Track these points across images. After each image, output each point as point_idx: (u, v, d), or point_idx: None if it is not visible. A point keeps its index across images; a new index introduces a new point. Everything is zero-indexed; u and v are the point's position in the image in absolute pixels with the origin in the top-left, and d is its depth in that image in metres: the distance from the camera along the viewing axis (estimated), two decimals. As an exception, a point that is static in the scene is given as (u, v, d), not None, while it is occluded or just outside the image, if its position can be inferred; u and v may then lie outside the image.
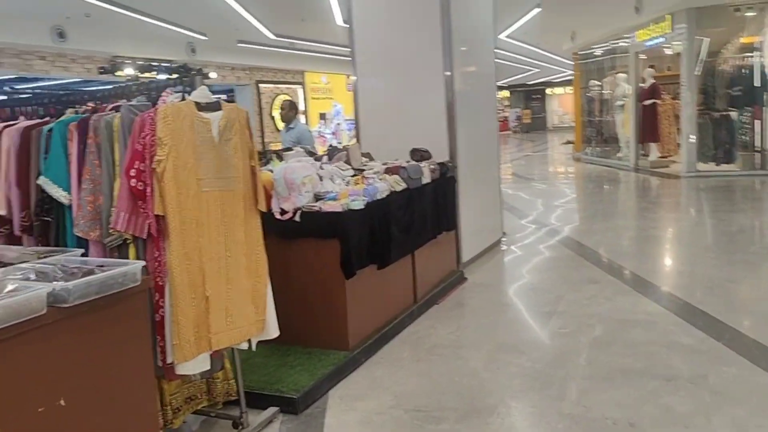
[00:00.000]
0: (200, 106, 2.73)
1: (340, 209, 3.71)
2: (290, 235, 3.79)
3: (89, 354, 2.06)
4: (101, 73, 3.38)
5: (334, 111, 18.56)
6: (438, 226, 5.12)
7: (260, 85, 16.25)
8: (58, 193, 2.81)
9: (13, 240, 3.03)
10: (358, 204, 3.79)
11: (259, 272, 2.96)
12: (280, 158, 4.44)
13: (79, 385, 2.03)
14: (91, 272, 2.16)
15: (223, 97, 17.33)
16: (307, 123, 17.41)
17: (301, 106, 17.59)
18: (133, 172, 2.61)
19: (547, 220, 8.27)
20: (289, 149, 5.75)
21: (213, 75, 13.30)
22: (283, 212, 3.75)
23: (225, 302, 2.80)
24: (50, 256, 2.45)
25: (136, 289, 2.21)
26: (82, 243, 2.82)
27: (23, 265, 2.22)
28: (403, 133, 5.71)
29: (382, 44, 5.99)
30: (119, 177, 2.69)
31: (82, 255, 2.83)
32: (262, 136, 15.90)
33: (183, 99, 2.79)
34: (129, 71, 3.17)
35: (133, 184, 2.61)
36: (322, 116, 18.36)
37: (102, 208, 2.74)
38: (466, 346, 3.98)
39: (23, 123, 3.03)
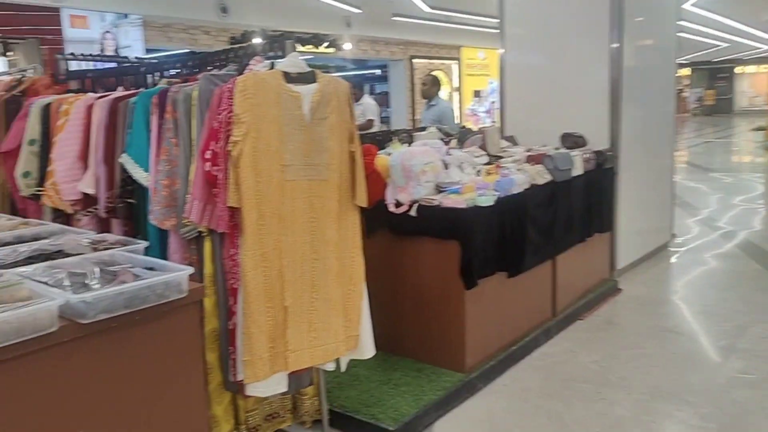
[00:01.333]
0: (290, 77, 2.25)
1: (462, 205, 3.09)
2: (405, 232, 3.25)
3: (118, 378, 1.69)
4: (232, 43, 3.10)
5: (489, 88, 17.69)
6: (588, 226, 4.31)
7: (414, 60, 15.80)
8: (138, 173, 2.51)
9: (103, 222, 2.81)
10: (486, 200, 3.14)
11: (353, 279, 2.46)
12: (403, 141, 3.91)
13: (105, 414, 1.67)
14: (135, 277, 1.79)
15: (377, 71, 17.23)
16: (460, 100, 16.76)
17: (455, 83, 16.93)
18: (208, 155, 2.21)
19: (727, 222, 6.95)
20: (423, 129, 5.22)
21: (347, 46, 12.97)
22: (398, 204, 3.22)
23: (308, 314, 2.33)
24: (112, 247, 2.13)
25: (182, 302, 1.79)
26: (165, 231, 2.52)
27: (65, 261, 1.90)
28: (554, 115, 4.91)
29: (537, 12, 5.19)
30: (195, 159, 2.31)
31: (162, 245, 2.56)
32: (413, 114, 15.50)
33: (272, 68, 2.34)
34: (258, 41, 2.89)
35: (207, 169, 2.21)
36: (477, 94, 17.58)
37: (179, 194, 2.39)
38: (612, 384, 3.21)
39: (114, 94, 2.77)
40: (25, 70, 4.08)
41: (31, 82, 3.67)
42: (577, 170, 4.10)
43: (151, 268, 1.90)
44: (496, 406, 3.04)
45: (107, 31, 9.91)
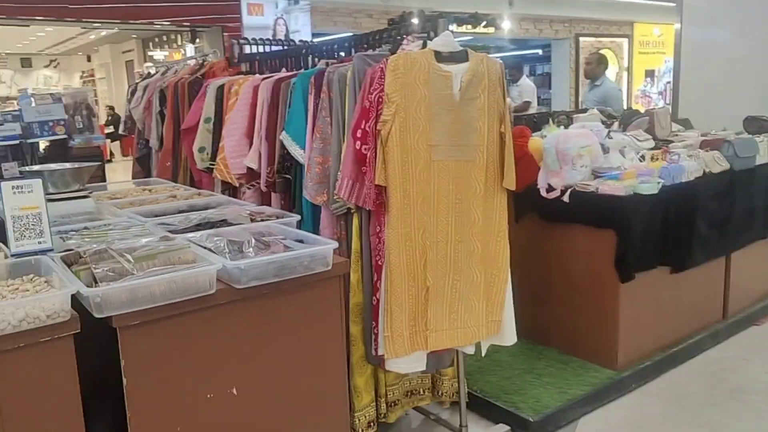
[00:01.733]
0: (441, 57, 2.23)
1: (621, 192, 2.88)
2: (555, 218, 3.12)
3: (266, 342, 1.81)
4: (390, 24, 3.18)
5: (664, 68, 16.31)
6: (773, 222, 3.83)
7: (580, 38, 14.99)
8: (295, 150, 2.64)
9: (264, 195, 3.01)
10: (649, 188, 2.91)
11: (497, 263, 2.41)
12: (561, 123, 3.73)
13: (253, 375, 1.80)
14: (286, 248, 1.89)
15: (539, 51, 16.59)
16: (629, 81, 15.65)
17: (625, 62, 15.82)
18: (359, 133, 2.26)
19: None
20: (585, 111, 4.94)
21: (506, 25, 12.51)
22: (550, 189, 3.09)
23: (449, 296, 2.33)
24: (268, 219, 2.27)
25: (327, 275, 1.87)
26: (318, 206, 2.64)
27: (227, 229, 2.06)
28: (737, 97, 4.42)
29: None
30: (347, 137, 2.38)
31: (314, 220, 2.68)
32: (576, 95, 14.76)
33: (424, 47, 2.33)
34: (416, 22, 2.93)
35: (357, 147, 2.27)
36: (649, 74, 16.30)
37: (330, 171, 2.48)
38: (790, 400, 2.85)
39: (278, 75, 2.94)
40: (206, 55, 4.48)
41: (210, 65, 4.02)
42: (763, 158, 3.65)
43: (300, 241, 2.00)
44: (649, 409, 2.83)
45: (279, 17, 10.54)
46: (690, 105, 4.79)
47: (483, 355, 2.51)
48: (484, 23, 3.54)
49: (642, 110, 4.42)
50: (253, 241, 1.91)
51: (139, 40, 13.96)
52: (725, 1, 4.67)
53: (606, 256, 2.94)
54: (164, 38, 12.79)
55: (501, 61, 2.34)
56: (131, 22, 8.50)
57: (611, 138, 3.30)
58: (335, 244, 1.89)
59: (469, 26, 3.54)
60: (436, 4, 11.13)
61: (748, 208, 3.56)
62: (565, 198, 3.00)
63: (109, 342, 1.56)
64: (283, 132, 2.70)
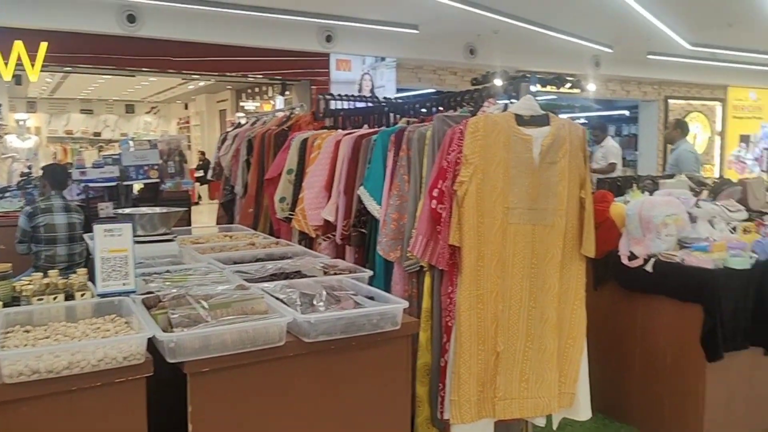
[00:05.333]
0: (522, 120, 2.23)
1: (710, 265, 2.72)
2: (637, 288, 2.98)
3: (331, 397, 1.80)
4: (473, 84, 3.23)
5: (761, 133, 15.56)
6: None
7: (669, 101, 14.60)
8: (372, 205, 2.68)
9: (339, 248, 3.05)
10: (741, 262, 2.73)
11: (572, 333, 2.32)
12: (645, 188, 3.60)
13: (318, 429, 1.79)
14: (356, 305, 1.90)
15: (626, 112, 16.26)
16: (722, 146, 15.01)
17: (718, 126, 15.21)
18: (435, 193, 2.27)
19: None
20: (669, 176, 4.76)
21: (591, 87, 12.33)
22: (632, 257, 2.96)
23: (521, 363, 2.25)
24: (341, 273, 2.29)
25: (395, 334, 1.85)
26: (391, 262, 2.64)
27: (300, 281, 2.09)
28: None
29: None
30: (423, 196, 2.39)
31: (387, 275, 2.68)
32: (664, 159, 14.27)
33: (505, 110, 2.33)
34: (499, 82, 2.97)
35: (433, 206, 2.27)
36: (744, 139, 15.57)
37: (405, 228, 2.49)
38: None
39: (359, 132, 3.01)
40: (294, 108, 4.67)
41: (296, 118, 4.19)
42: None
43: (371, 298, 2.00)
44: (737, 505, 2.59)
45: (366, 73, 10.87)
46: (789, 175, 4.53)
47: (555, 428, 2.39)
48: (568, 85, 3.53)
49: (736, 177, 4.20)
50: (325, 294, 1.93)
51: (233, 91, 14.75)
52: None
53: (692, 331, 2.76)
54: (256, 89, 13.46)
55: (583, 127, 2.30)
56: (228, 74, 9.03)
57: (700, 207, 3.14)
58: (405, 304, 1.88)
59: (553, 87, 3.52)
60: (521, 64, 11.18)
61: None
62: (648, 267, 2.87)
63: (178, 384, 1.60)
64: (361, 187, 2.74)
